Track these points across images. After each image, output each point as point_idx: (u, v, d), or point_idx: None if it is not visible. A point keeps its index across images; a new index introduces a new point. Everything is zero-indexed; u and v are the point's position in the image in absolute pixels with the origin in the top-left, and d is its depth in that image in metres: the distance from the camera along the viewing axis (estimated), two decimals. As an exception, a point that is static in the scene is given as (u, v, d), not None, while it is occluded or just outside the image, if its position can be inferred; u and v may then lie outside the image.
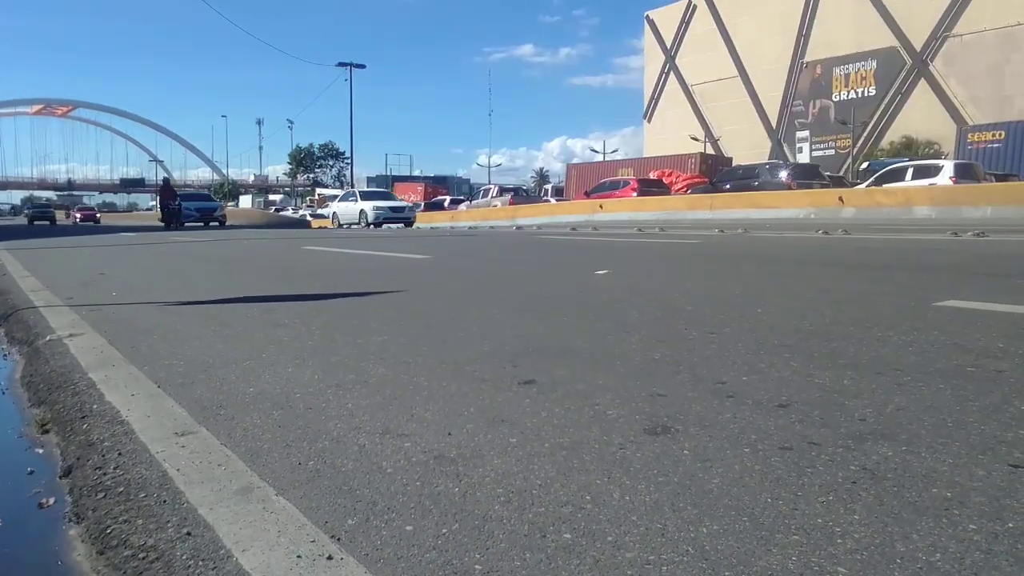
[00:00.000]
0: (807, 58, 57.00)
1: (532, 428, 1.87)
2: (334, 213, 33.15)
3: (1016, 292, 4.37)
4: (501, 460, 1.66)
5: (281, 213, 54.18)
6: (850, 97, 53.80)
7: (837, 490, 1.44)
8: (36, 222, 49.23)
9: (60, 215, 61.38)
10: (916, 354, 2.60)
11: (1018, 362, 2.45)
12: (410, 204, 35.15)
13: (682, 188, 31.18)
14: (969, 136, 33.95)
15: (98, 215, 59.77)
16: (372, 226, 28.57)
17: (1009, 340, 2.80)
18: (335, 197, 38.91)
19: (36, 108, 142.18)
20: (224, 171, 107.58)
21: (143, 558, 1.32)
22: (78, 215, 57.09)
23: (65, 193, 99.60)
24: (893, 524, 1.28)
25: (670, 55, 68.07)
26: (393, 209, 30.68)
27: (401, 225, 29.18)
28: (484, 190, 40.72)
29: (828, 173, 29.68)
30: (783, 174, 25.16)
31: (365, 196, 32.41)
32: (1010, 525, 1.27)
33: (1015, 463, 1.55)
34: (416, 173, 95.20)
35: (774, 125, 59.23)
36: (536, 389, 2.25)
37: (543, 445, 1.75)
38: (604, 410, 2.01)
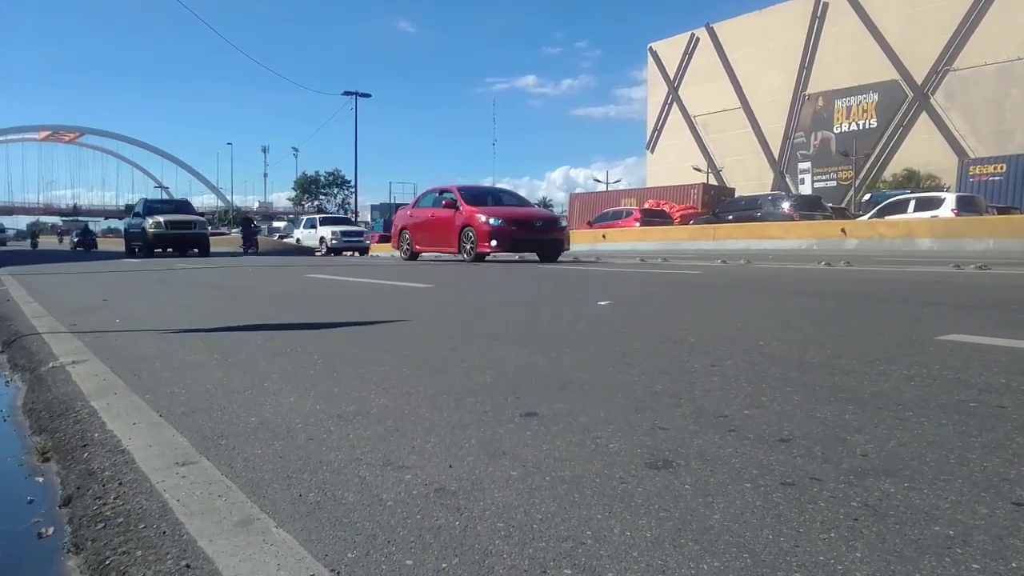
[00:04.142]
0: (809, 90, 57.44)
1: (533, 461, 1.87)
2: None
3: (1019, 326, 4.37)
4: (502, 493, 1.65)
5: (284, 240, 54.26)
6: (851, 129, 54.12)
7: (839, 527, 1.43)
8: (160, 250, 24.05)
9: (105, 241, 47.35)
10: (918, 388, 2.59)
11: (1020, 398, 2.44)
12: None
13: (677, 219, 31.30)
14: (971, 169, 34.11)
15: (369, 237, 34.19)
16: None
17: (1011, 375, 2.79)
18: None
19: (44, 134, 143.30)
20: (229, 198, 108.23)
21: (142, 591, 1.31)
22: (329, 241, 30.20)
23: (71, 219, 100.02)
24: (896, 563, 1.28)
25: (673, 86, 68.63)
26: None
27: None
28: (486, 219, 40.84)
29: (830, 205, 29.84)
30: (786, 205, 25.32)
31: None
32: (1013, 565, 1.27)
33: (1018, 501, 1.55)
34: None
35: (776, 156, 59.51)
36: (537, 421, 2.25)
37: (544, 478, 1.74)
38: (605, 443, 2.00)
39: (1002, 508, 1.51)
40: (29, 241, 57.99)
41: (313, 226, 33.23)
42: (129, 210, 29.00)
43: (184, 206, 27.84)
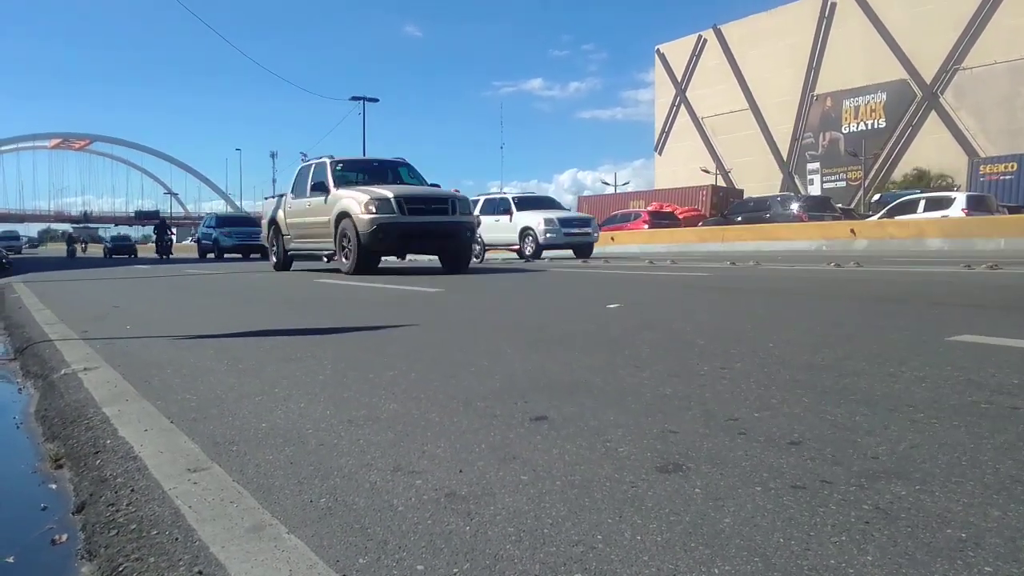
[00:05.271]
0: (817, 90, 57.30)
1: (543, 465, 1.87)
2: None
3: (1031, 326, 4.34)
4: (512, 498, 1.65)
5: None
6: (860, 129, 53.93)
7: (850, 530, 1.43)
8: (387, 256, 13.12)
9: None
10: (929, 390, 2.58)
11: (1033, 399, 2.43)
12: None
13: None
14: (981, 168, 33.96)
15: None
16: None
17: (1023, 376, 2.78)
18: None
19: (54, 142, 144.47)
20: (238, 203, 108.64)
21: (155, 597, 1.32)
22: None
23: (81, 226, 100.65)
24: (907, 566, 1.27)
25: (681, 88, 68.58)
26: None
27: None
28: (496, 222, 40.63)
29: (840, 205, 29.78)
30: (795, 206, 25.30)
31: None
32: (1026, 567, 1.26)
33: (1031, 503, 1.54)
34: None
35: (785, 157, 59.38)
36: (547, 425, 2.25)
37: (554, 483, 1.74)
38: (615, 447, 2.00)
39: (1015, 510, 1.50)
40: (66, 249, 50.01)
41: (505, 211, 19.50)
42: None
43: (394, 167, 13.73)
